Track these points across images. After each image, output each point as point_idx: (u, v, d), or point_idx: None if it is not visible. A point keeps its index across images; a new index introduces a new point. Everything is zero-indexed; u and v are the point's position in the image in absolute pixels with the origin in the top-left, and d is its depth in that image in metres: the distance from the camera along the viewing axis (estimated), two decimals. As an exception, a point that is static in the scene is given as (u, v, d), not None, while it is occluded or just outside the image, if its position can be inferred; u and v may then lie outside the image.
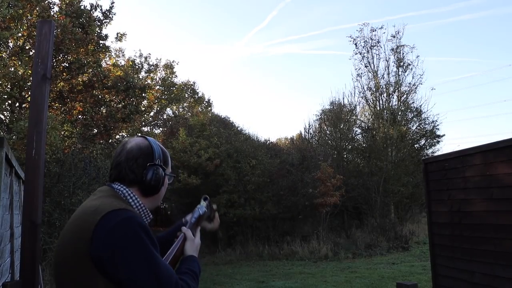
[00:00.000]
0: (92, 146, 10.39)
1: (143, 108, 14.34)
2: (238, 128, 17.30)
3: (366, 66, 18.63)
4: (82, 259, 1.11)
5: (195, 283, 1.28)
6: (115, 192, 1.30)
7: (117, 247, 1.10)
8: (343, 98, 27.02)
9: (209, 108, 24.42)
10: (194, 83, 23.89)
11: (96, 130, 11.51)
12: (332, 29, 37.45)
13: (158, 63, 21.21)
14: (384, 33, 22.54)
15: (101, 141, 11.49)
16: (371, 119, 19.34)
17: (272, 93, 42.65)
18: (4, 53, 9.33)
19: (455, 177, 4.83)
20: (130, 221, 1.14)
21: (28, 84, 9.06)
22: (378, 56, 18.53)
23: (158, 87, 21.13)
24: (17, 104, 9.88)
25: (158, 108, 21.56)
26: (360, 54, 18.68)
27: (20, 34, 9.30)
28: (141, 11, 38.57)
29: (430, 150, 19.26)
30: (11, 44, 9.55)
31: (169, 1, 38.26)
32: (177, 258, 1.38)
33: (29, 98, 8.29)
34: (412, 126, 19.46)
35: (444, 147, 26.20)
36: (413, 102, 18.70)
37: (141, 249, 1.12)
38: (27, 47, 9.61)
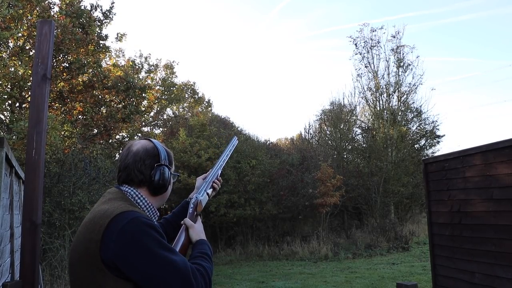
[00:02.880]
0: (92, 146, 10.39)
1: (143, 108, 14.32)
2: (238, 129, 17.30)
3: (366, 67, 18.65)
4: (93, 259, 1.18)
5: (208, 263, 1.35)
6: (123, 194, 1.37)
7: (129, 246, 1.17)
8: (343, 99, 27.15)
9: (209, 108, 24.41)
10: (194, 83, 23.91)
11: (96, 130, 11.51)
12: (332, 29, 37.42)
13: (158, 63, 21.25)
14: (384, 33, 22.66)
15: (101, 141, 11.49)
16: (371, 119, 19.34)
17: (272, 93, 42.67)
18: (4, 53, 9.33)
19: (455, 177, 4.83)
20: (137, 220, 1.20)
21: (28, 84, 9.06)
22: (378, 56, 18.56)
23: (158, 87, 21.15)
24: (17, 104, 9.87)
25: (158, 108, 21.57)
26: (360, 54, 18.71)
27: (20, 34, 9.30)
28: (141, 11, 38.58)
29: (430, 150, 19.29)
30: (11, 44, 9.54)
31: (169, 1, 38.27)
32: (185, 247, 1.46)
33: (29, 98, 8.29)
34: (412, 126, 19.48)
35: (444, 147, 26.15)
36: (413, 103, 18.74)
37: (151, 244, 1.18)
38: (27, 47, 9.60)
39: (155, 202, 1.42)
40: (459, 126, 34.20)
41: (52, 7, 10.38)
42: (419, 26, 31.06)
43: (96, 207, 1.32)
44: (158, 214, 1.45)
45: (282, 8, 37.57)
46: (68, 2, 10.35)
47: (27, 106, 9.47)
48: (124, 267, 1.16)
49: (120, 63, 15.75)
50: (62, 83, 10.75)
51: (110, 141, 12.28)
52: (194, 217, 1.57)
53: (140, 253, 1.16)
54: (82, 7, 10.43)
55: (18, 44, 9.54)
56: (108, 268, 1.17)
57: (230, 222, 13.83)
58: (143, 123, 18.13)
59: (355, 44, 18.74)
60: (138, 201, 1.37)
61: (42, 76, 2.22)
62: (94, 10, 10.79)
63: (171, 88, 22.04)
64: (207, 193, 1.71)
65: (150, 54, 25.07)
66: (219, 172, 1.81)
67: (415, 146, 19.39)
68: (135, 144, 1.43)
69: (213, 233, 14.47)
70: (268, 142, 18.20)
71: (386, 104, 18.40)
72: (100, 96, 11.50)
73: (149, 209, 1.39)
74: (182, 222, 1.51)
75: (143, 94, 12.50)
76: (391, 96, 18.38)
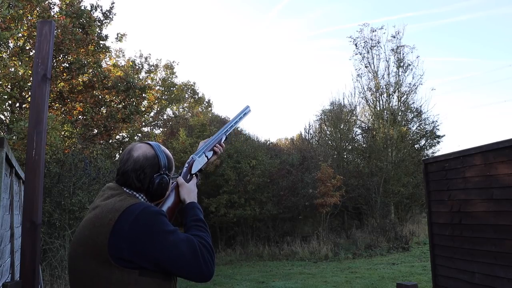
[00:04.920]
0: (92, 147, 10.38)
1: (143, 109, 14.32)
2: (238, 129, 17.31)
3: (366, 67, 18.65)
4: (100, 252, 1.21)
5: (205, 231, 1.39)
6: (124, 190, 1.38)
7: (145, 235, 1.22)
8: (343, 99, 27.14)
9: (209, 109, 24.43)
10: (194, 83, 23.92)
11: (96, 131, 11.50)
12: (332, 29, 37.43)
13: (158, 64, 21.26)
14: (384, 33, 22.71)
15: (101, 142, 11.47)
16: (371, 119, 19.34)
17: (272, 93, 42.67)
18: (4, 54, 9.33)
19: (455, 178, 4.83)
20: (148, 210, 1.26)
21: (28, 84, 9.06)
22: (378, 56, 18.56)
23: (158, 87, 21.15)
24: (17, 104, 9.87)
25: (158, 109, 21.58)
26: (360, 54, 18.71)
27: (20, 35, 9.30)
28: (141, 11, 38.59)
29: (430, 151, 19.28)
30: (11, 45, 9.54)
31: (170, 1, 38.29)
32: (174, 207, 1.48)
33: (29, 98, 8.29)
34: (412, 126, 19.48)
35: (444, 147, 26.14)
36: (413, 103, 18.74)
37: (165, 230, 1.24)
38: (27, 48, 9.60)
39: (154, 203, 1.45)
40: (459, 126, 34.21)
41: (52, 7, 10.39)
42: (419, 26, 31.08)
43: (98, 203, 1.34)
44: None
45: (282, 8, 37.60)
46: (68, 2, 10.36)
47: (27, 106, 9.47)
48: (140, 255, 1.21)
49: (120, 63, 15.75)
50: (62, 83, 10.76)
51: (110, 141, 12.27)
52: (188, 177, 1.57)
53: (156, 241, 1.22)
54: (82, 7, 10.43)
55: (18, 44, 9.54)
56: (115, 260, 1.20)
57: (230, 222, 13.83)
58: (143, 123, 18.13)
59: (355, 44, 18.76)
60: (141, 200, 1.39)
61: (42, 76, 2.22)
62: (94, 10, 10.80)
63: (171, 88, 22.05)
64: (206, 156, 1.66)
65: (150, 54, 25.18)
66: (223, 137, 1.74)
67: (415, 146, 19.39)
68: (136, 149, 1.41)
69: (213, 233, 14.46)
70: (268, 142, 18.25)
71: (386, 104, 18.40)
72: (100, 96, 11.50)
73: None
74: (175, 180, 1.52)
75: (143, 94, 12.50)
76: (391, 96, 18.38)
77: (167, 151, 1.48)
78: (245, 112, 1.87)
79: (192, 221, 1.41)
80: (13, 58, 9.34)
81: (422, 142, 19.57)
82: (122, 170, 1.39)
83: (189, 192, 1.51)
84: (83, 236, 1.27)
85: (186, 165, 1.60)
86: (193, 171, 1.60)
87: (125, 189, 1.39)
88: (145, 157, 1.39)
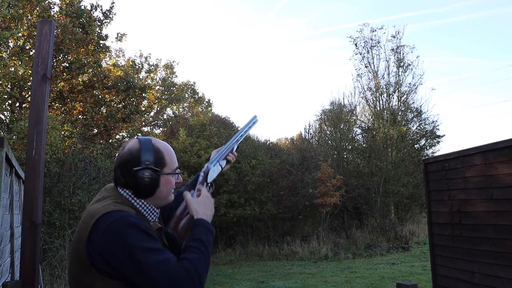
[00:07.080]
0: (92, 146, 10.38)
1: (143, 108, 14.32)
2: (238, 128, 17.30)
3: (366, 67, 18.65)
4: (81, 259, 1.19)
5: (199, 252, 1.25)
6: (117, 192, 1.34)
7: (112, 247, 1.15)
8: (343, 99, 27.18)
9: (209, 108, 24.44)
10: (194, 83, 23.95)
11: (96, 130, 11.50)
12: (332, 29, 37.42)
13: (158, 63, 21.27)
14: (384, 33, 22.63)
15: (101, 141, 11.48)
16: (371, 119, 19.34)
17: (272, 93, 42.66)
18: (4, 53, 9.33)
19: (455, 178, 4.83)
20: (121, 220, 1.18)
21: (28, 84, 9.05)
22: (378, 56, 18.55)
23: (158, 87, 21.17)
24: (17, 104, 9.87)
25: (158, 108, 21.59)
26: (360, 54, 18.70)
27: (20, 34, 9.30)
28: (141, 11, 38.59)
29: (430, 151, 19.29)
30: (11, 44, 9.54)
31: (169, 1, 38.28)
32: (190, 222, 1.39)
33: (29, 98, 8.29)
34: (412, 126, 19.48)
35: (444, 147, 26.15)
36: (413, 102, 18.74)
37: (135, 245, 1.15)
38: (27, 47, 9.60)
39: (151, 201, 1.36)
40: (459, 126, 34.21)
41: (52, 7, 10.39)
42: (419, 26, 31.09)
43: (89, 205, 1.32)
44: (157, 212, 1.40)
45: (281, 8, 37.59)
46: (68, 2, 10.35)
47: (27, 106, 9.47)
48: (109, 266, 1.16)
49: (120, 63, 15.76)
50: (62, 83, 10.75)
51: (110, 141, 12.27)
52: (205, 185, 1.55)
53: (123, 255, 1.14)
54: (82, 7, 10.43)
55: (18, 44, 9.54)
56: (95, 268, 1.16)
57: (230, 222, 13.83)
58: (143, 123, 18.13)
59: (355, 44, 18.76)
60: (132, 201, 1.33)
61: (42, 76, 2.22)
62: (94, 10, 10.80)
63: (171, 88, 22.08)
64: (220, 165, 1.66)
65: (150, 54, 25.21)
66: (235, 146, 1.76)
67: (415, 146, 19.39)
68: (126, 145, 1.37)
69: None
70: (268, 142, 18.24)
71: (386, 104, 18.40)
72: (100, 96, 11.50)
73: (144, 208, 1.34)
74: (183, 194, 1.44)
75: (143, 94, 12.50)
76: (391, 96, 18.38)
77: (162, 146, 1.38)
78: (253, 121, 1.91)
79: (189, 241, 1.29)
80: (13, 57, 9.33)
81: (422, 142, 19.59)
82: (114, 166, 1.37)
83: (197, 209, 1.39)
84: (73, 241, 1.26)
85: (202, 174, 1.58)
86: (209, 180, 1.58)
87: (119, 189, 1.34)
88: (129, 152, 1.33)
